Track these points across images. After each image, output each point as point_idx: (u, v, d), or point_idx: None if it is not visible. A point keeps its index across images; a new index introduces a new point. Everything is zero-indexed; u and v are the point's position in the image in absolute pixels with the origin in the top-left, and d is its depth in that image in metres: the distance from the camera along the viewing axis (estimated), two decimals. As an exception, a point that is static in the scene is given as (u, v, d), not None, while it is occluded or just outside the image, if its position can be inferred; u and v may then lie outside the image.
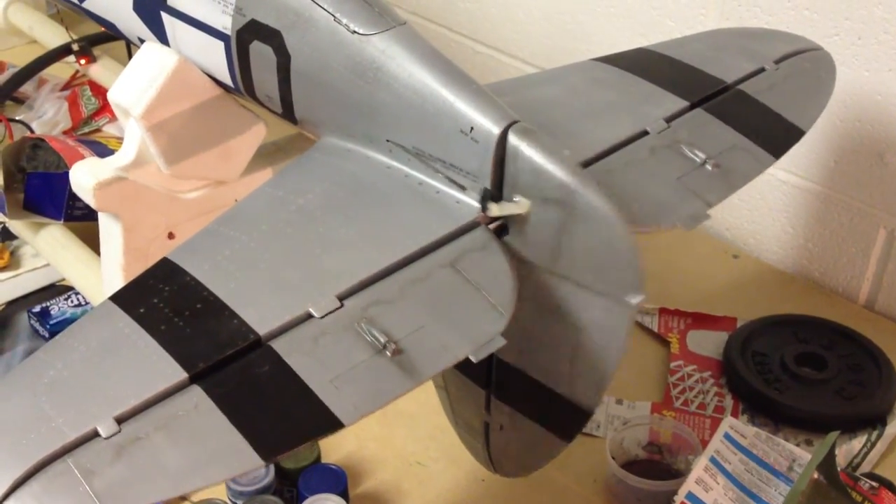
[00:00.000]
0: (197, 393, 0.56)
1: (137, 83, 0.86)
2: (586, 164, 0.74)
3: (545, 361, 0.71)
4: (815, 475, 0.81)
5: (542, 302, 0.68)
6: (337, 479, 0.87)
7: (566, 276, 0.66)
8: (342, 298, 0.62)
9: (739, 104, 0.83)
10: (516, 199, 0.66)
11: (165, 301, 0.61)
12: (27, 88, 1.44)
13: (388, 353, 0.59)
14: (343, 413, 0.56)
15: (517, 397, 0.75)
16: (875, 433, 0.95)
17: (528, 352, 0.72)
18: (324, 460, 0.90)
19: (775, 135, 0.82)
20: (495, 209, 0.66)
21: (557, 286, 0.67)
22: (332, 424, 0.56)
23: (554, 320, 0.68)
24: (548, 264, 0.66)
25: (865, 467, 0.92)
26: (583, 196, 0.63)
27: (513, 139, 0.65)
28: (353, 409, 0.57)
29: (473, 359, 0.60)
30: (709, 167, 0.75)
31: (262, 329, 0.59)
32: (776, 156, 0.81)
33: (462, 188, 0.68)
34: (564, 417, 0.73)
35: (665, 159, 0.76)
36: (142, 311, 0.61)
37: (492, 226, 0.67)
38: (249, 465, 0.54)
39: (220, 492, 0.87)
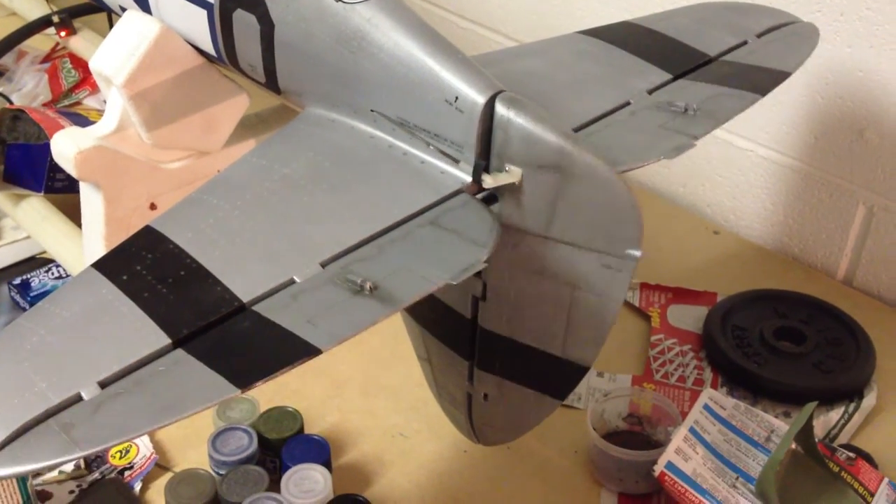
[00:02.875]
0: (179, 354, 0.56)
1: (119, 51, 0.86)
2: (571, 133, 0.74)
3: (537, 326, 0.72)
4: (793, 445, 0.82)
5: (534, 268, 0.68)
6: (320, 450, 0.87)
7: (561, 239, 0.66)
8: (325, 265, 0.62)
9: (721, 69, 0.83)
10: (507, 168, 0.66)
11: (148, 268, 0.61)
12: (6, 61, 1.43)
13: (365, 291, 0.59)
14: (318, 341, 0.56)
15: (505, 365, 0.76)
16: (852, 406, 0.96)
17: (517, 319, 0.72)
18: (307, 431, 0.90)
19: (760, 79, 0.82)
20: (489, 180, 0.66)
21: (552, 250, 0.67)
22: (308, 351, 0.56)
23: (548, 284, 0.69)
24: (541, 230, 0.67)
25: (843, 439, 0.93)
26: (580, 158, 0.63)
27: (501, 109, 0.65)
28: (330, 336, 0.57)
29: (453, 282, 0.60)
30: (691, 112, 0.76)
31: (245, 296, 0.59)
32: (762, 93, 0.81)
33: (448, 158, 0.68)
34: (558, 377, 0.74)
35: (645, 115, 0.76)
36: (125, 278, 0.60)
37: (478, 196, 0.67)
38: (224, 393, 0.54)
39: (204, 462, 0.87)
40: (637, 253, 0.65)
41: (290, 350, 0.56)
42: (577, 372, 0.72)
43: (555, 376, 0.74)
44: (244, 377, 0.54)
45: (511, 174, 0.66)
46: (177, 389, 0.54)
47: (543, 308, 0.71)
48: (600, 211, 0.64)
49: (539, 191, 0.65)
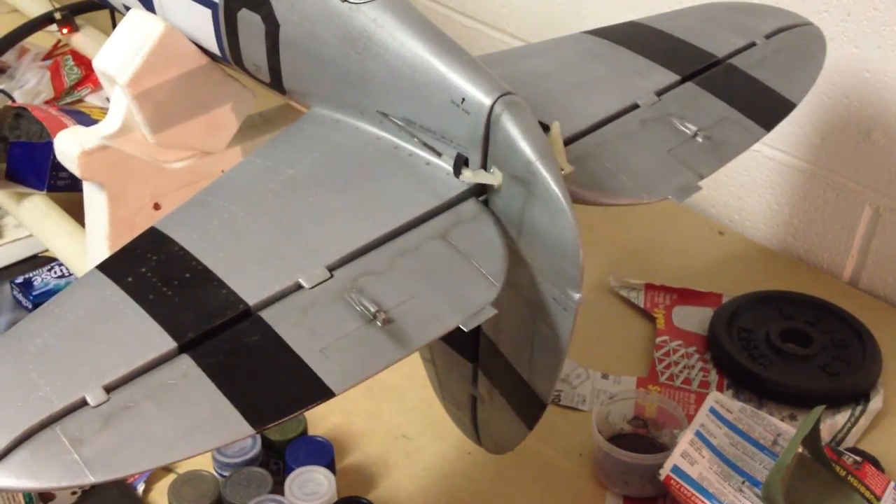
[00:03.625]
0: (186, 362, 0.55)
1: (124, 51, 0.85)
2: (578, 136, 0.73)
3: (514, 341, 0.71)
4: (800, 449, 0.82)
5: (511, 280, 0.67)
6: (324, 452, 0.87)
7: (525, 259, 0.65)
8: (332, 269, 0.61)
9: (730, 78, 0.83)
10: (492, 170, 0.65)
11: (153, 270, 0.61)
12: (8, 58, 1.42)
13: (378, 322, 0.58)
14: (333, 382, 0.56)
15: (495, 373, 0.75)
16: (859, 408, 0.96)
17: (501, 329, 0.72)
18: (310, 433, 0.90)
19: (766, 107, 0.82)
20: (468, 175, 0.65)
21: (520, 267, 0.66)
22: (322, 393, 0.56)
23: (520, 301, 0.68)
24: (513, 243, 0.66)
25: (849, 442, 0.93)
26: (543, 180, 0.61)
27: (497, 109, 0.64)
28: (343, 377, 0.57)
29: (464, 328, 0.60)
30: (699, 139, 0.75)
31: (251, 299, 0.59)
32: (767, 128, 0.80)
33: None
34: (527, 403, 0.72)
35: (655, 131, 0.76)
36: (130, 280, 0.60)
37: (481, 197, 0.67)
38: (238, 433, 0.54)
39: (207, 464, 0.87)
40: (576, 296, 0.62)
41: (304, 388, 0.56)
42: (538, 404, 0.71)
43: (525, 401, 0.72)
44: (259, 418, 0.54)
45: (493, 176, 0.65)
46: (190, 416, 0.54)
47: (517, 325, 0.69)
48: (551, 240, 0.63)
49: (512, 201, 0.64)
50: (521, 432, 0.75)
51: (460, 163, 0.66)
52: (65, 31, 1.27)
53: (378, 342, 0.58)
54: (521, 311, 0.68)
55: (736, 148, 0.78)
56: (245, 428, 0.54)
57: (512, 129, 0.63)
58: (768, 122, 0.81)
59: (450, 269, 0.63)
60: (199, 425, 0.53)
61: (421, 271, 0.62)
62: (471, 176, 0.65)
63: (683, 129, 0.76)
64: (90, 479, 0.51)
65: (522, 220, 0.64)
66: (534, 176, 0.62)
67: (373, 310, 0.58)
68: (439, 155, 0.67)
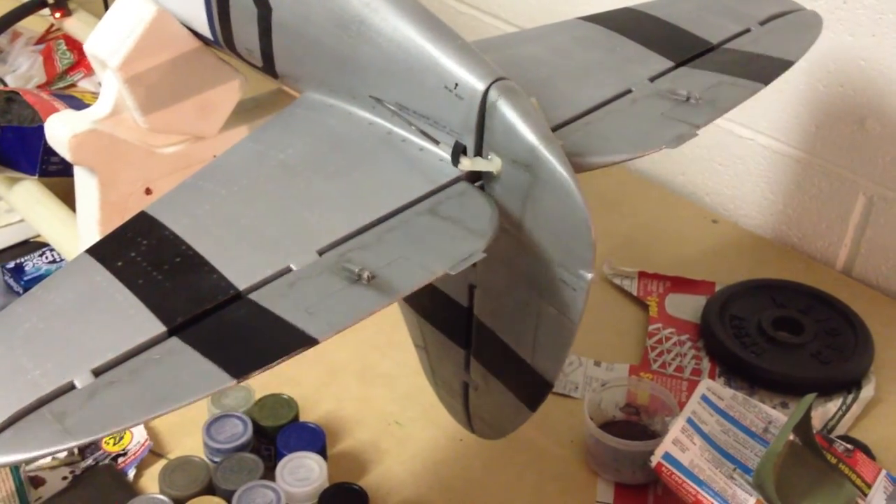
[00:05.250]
0: (174, 342, 0.55)
1: (115, 34, 0.85)
2: (569, 121, 0.73)
3: (514, 326, 0.71)
4: (791, 437, 0.82)
5: (512, 266, 0.67)
6: (315, 438, 0.87)
7: (529, 243, 0.65)
8: (322, 254, 0.61)
9: (724, 56, 0.82)
10: (490, 157, 0.65)
11: (143, 255, 0.60)
12: (0, 42, 1.41)
13: (363, 281, 0.58)
14: (316, 331, 0.55)
15: (490, 359, 0.75)
16: (850, 396, 0.96)
17: (500, 314, 0.71)
18: (302, 419, 0.90)
19: (762, 67, 0.81)
20: (466, 163, 0.65)
21: (523, 252, 0.66)
22: (305, 341, 0.55)
23: (521, 286, 0.67)
24: (515, 230, 0.65)
25: (840, 430, 0.93)
26: (547, 162, 0.61)
27: (492, 95, 0.63)
28: (327, 326, 0.56)
29: (451, 272, 0.59)
30: (693, 101, 0.74)
31: (241, 284, 0.58)
32: (765, 82, 0.79)
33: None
34: (529, 385, 0.72)
35: (647, 103, 0.75)
36: (119, 264, 0.60)
37: (476, 184, 0.66)
38: (219, 384, 0.53)
39: (198, 449, 0.87)
40: (588, 275, 0.62)
41: (286, 340, 0.55)
42: (544, 385, 0.71)
43: (527, 384, 0.72)
44: (239, 367, 0.53)
45: (491, 163, 0.64)
46: (171, 379, 0.53)
47: (518, 309, 0.69)
48: (560, 222, 0.62)
49: (513, 187, 0.64)
50: (522, 414, 0.75)
51: (458, 151, 0.65)
52: (57, 15, 1.26)
53: (363, 295, 0.58)
54: (523, 296, 0.68)
55: (734, 100, 0.77)
56: (225, 378, 0.53)
57: (510, 115, 0.63)
58: (766, 77, 0.80)
59: (437, 231, 0.62)
60: (179, 384, 0.53)
61: (408, 239, 0.62)
62: (469, 164, 0.65)
63: (675, 96, 0.75)
64: (71, 441, 0.50)
65: (526, 204, 0.64)
66: (538, 161, 0.61)
67: (357, 270, 0.58)
68: (436, 142, 0.67)
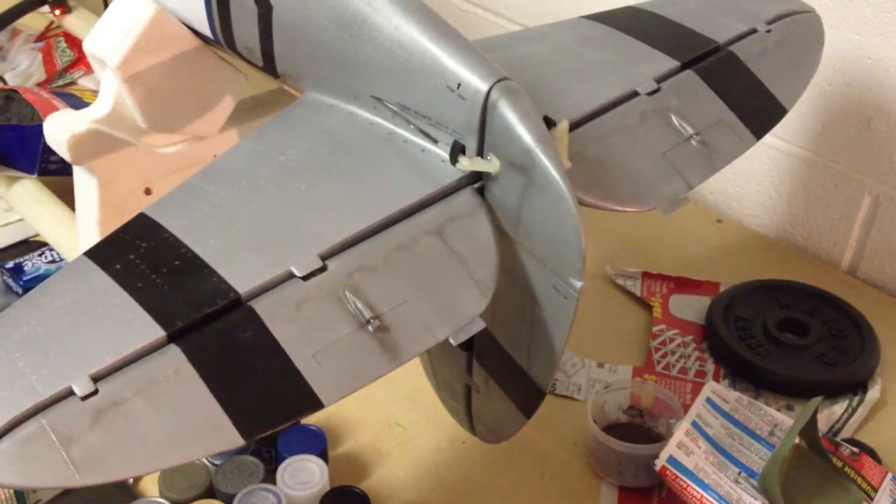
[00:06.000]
0: (177, 355, 0.54)
1: (114, 33, 0.84)
2: (577, 124, 0.72)
3: (510, 329, 0.70)
4: (797, 440, 0.81)
5: (508, 269, 0.67)
6: (316, 440, 0.86)
7: (525, 248, 0.65)
8: (324, 258, 0.60)
9: (729, 70, 0.82)
10: (489, 157, 0.64)
11: (142, 257, 0.60)
12: (0, 39, 1.41)
13: (370, 328, 0.58)
14: (324, 393, 0.56)
15: (491, 363, 0.75)
16: (856, 399, 0.95)
17: (497, 317, 0.71)
18: (303, 421, 0.89)
19: (760, 110, 0.81)
20: (465, 163, 0.64)
21: (518, 255, 0.65)
22: (313, 405, 0.56)
23: (517, 289, 0.67)
24: (511, 232, 0.65)
25: (846, 433, 0.92)
26: (543, 167, 0.60)
27: (493, 95, 0.63)
28: (334, 389, 0.56)
29: (453, 342, 0.60)
30: (694, 143, 0.74)
31: (241, 287, 0.58)
32: (758, 136, 0.80)
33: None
34: (524, 391, 0.72)
35: (654, 128, 0.75)
36: (118, 267, 0.59)
37: (476, 185, 0.66)
38: (229, 443, 0.53)
39: (198, 452, 0.86)
40: (578, 283, 0.61)
41: (295, 398, 0.55)
42: (537, 393, 0.70)
43: (523, 389, 0.72)
44: (250, 427, 0.54)
45: (490, 164, 0.64)
46: (182, 420, 0.53)
47: (514, 314, 0.69)
48: (552, 228, 0.61)
49: (509, 189, 0.63)
50: (517, 421, 0.74)
51: (457, 150, 0.65)
52: (57, 12, 1.26)
53: (369, 351, 0.58)
54: (518, 300, 0.67)
55: (727, 157, 0.77)
56: (236, 437, 0.53)
57: (509, 116, 0.62)
58: (760, 129, 0.80)
59: (443, 272, 0.62)
60: (190, 431, 0.53)
61: (414, 272, 0.61)
62: (468, 164, 0.64)
63: (680, 129, 0.75)
64: (79, 481, 0.50)
65: (521, 207, 0.63)
66: (533, 163, 0.61)
67: (367, 315, 0.58)
68: (435, 142, 0.66)
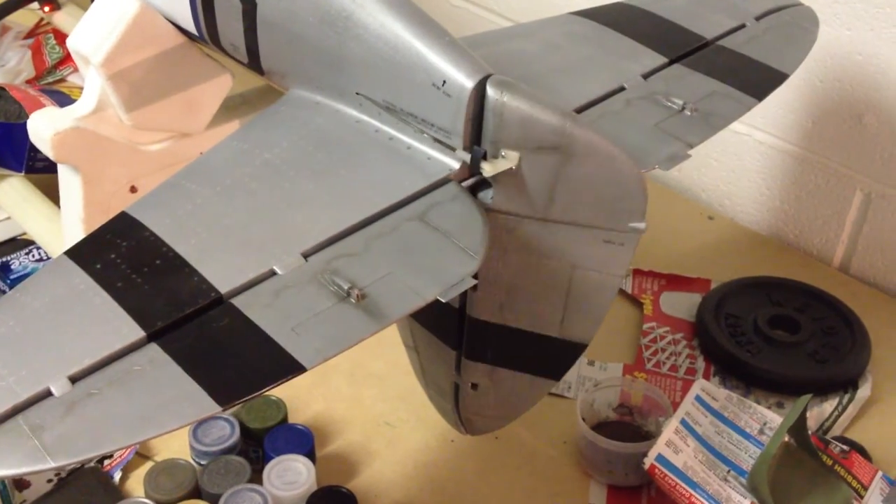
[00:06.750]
0: (153, 349, 0.54)
1: (97, 30, 0.83)
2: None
3: (533, 309, 0.71)
4: (786, 438, 0.81)
5: (531, 251, 0.67)
6: (304, 440, 0.85)
7: (561, 220, 0.66)
8: (307, 256, 0.60)
9: (718, 57, 0.81)
10: (503, 154, 0.64)
11: (123, 257, 0.59)
12: (-11, 36, 1.40)
13: (352, 299, 0.56)
14: (304, 357, 0.54)
15: (497, 353, 0.74)
16: (847, 397, 0.95)
17: (511, 305, 0.71)
18: (291, 420, 0.88)
19: (757, 79, 0.81)
20: (489, 168, 0.64)
21: (551, 232, 0.66)
22: (293, 368, 0.54)
23: (546, 266, 0.68)
24: (540, 213, 0.66)
25: (836, 431, 0.92)
26: (582, 136, 0.62)
27: (494, 93, 0.62)
28: (315, 352, 0.54)
29: (442, 299, 0.58)
30: (688, 112, 0.74)
31: (223, 287, 0.57)
32: (759, 98, 0.79)
33: (439, 144, 0.65)
34: (555, 357, 0.73)
35: (641, 109, 0.75)
36: (98, 266, 0.58)
37: (465, 183, 0.65)
38: (205, 410, 0.52)
39: (185, 452, 0.85)
40: (641, 225, 0.65)
41: (273, 364, 0.54)
42: (575, 349, 0.73)
43: (551, 357, 0.73)
44: (225, 393, 0.52)
45: (508, 159, 0.64)
46: (155, 398, 0.52)
47: (540, 291, 0.69)
48: (603, 187, 0.64)
49: (537, 173, 0.64)
50: (540, 389, 0.77)
51: (477, 157, 0.65)
52: (46, 9, 1.25)
53: (352, 317, 0.56)
54: (548, 274, 0.69)
55: (727, 117, 0.77)
56: (211, 405, 0.52)
57: (524, 106, 0.62)
58: (760, 92, 0.80)
59: (427, 245, 0.61)
60: (163, 405, 0.52)
61: (397, 250, 0.60)
62: (491, 168, 0.64)
63: (670, 104, 0.75)
64: (50, 463, 0.49)
65: (556, 185, 0.64)
66: (569, 138, 0.62)
67: (346, 287, 0.57)
68: (442, 147, 0.66)
